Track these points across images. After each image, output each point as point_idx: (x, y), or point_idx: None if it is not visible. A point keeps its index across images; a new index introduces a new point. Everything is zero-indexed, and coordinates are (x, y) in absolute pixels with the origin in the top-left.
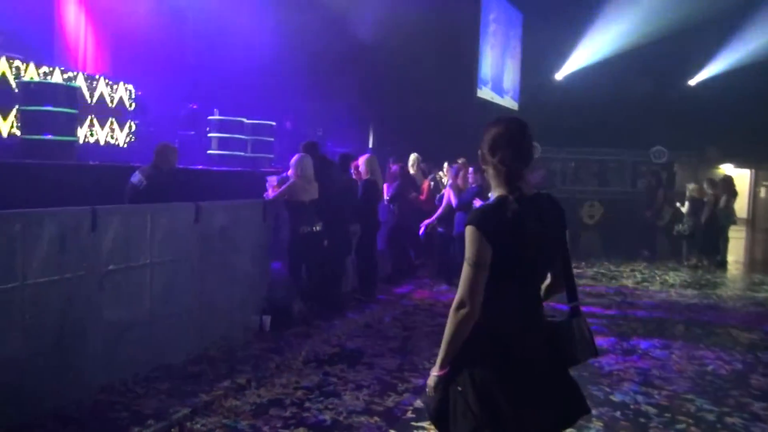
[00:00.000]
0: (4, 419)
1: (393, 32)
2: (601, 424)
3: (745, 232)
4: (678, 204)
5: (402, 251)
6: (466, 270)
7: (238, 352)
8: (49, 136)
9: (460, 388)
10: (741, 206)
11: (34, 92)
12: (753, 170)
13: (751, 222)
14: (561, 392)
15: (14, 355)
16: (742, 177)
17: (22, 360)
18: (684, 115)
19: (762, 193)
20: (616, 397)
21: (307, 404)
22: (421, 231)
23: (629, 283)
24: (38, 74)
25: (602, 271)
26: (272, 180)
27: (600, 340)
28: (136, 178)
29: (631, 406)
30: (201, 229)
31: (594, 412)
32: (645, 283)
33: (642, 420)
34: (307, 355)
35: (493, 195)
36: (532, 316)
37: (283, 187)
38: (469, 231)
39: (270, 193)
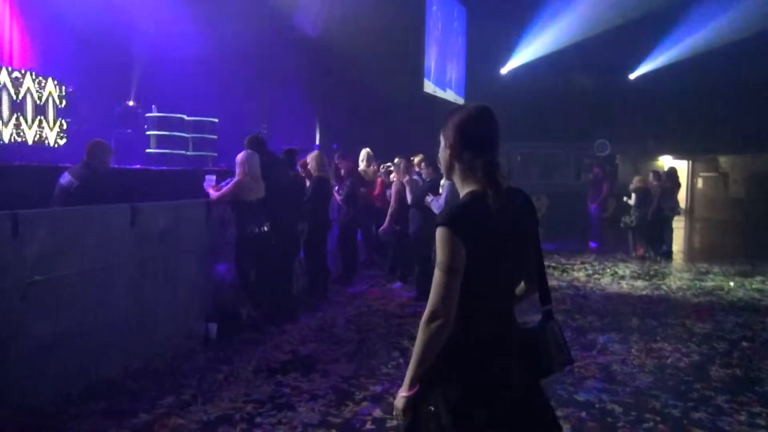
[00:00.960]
0: None
1: (338, 26)
2: (569, 426)
3: (684, 222)
4: (625, 198)
5: (353, 250)
6: (438, 276)
7: (183, 363)
8: None
9: (432, 408)
10: (680, 197)
11: None
12: (690, 162)
13: (690, 212)
14: (534, 410)
15: None
16: (680, 169)
17: None
18: (625, 109)
19: (699, 184)
20: (581, 396)
21: (258, 419)
22: (381, 229)
23: (581, 276)
24: None
25: (553, 264)
26: (210, 179)
27: None
28: (66, 179)
29: (597, 405)
30: (138, 233)
31: (559, 413)
32: (596, 276)
33: (609, 419)
34: (257, 363)
35: (462, 191)
36: (507, 323)
37: (229, 185)
38: (441, 233)
39: (211, 193)
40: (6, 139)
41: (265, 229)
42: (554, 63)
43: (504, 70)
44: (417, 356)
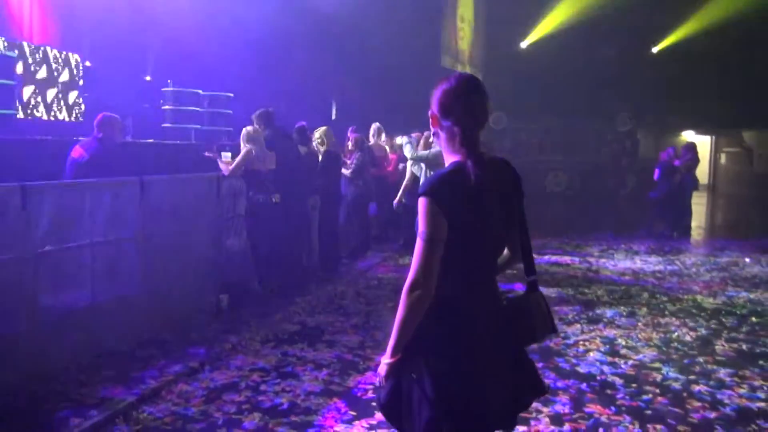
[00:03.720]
0: None
1: (354, 1)
2: (568, 397)
3: (706, 198)
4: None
5: (364, 224)
6: (419, 246)
7: (193, 333)
8: None
9: (414, 376)
10: (702, 172)
11: None
12: (713, 137)
13: (712, 188)
14: (519, 373)
15: None
16: (703, 144)
17: None
18: (646, 83)
19: (722, 159)
20: (582, 369)
21: (262, 387)
22: (394, 203)
23: (594, 251)
24: None
25: (567, 240)
26: (227, 156)
27: (565, 310)
28: (77, 152)
29: (598, 377)
30: (148, 206)
31: (560, 384)
32: (610, 251)
33: (609, 391)
34: (265, 334)
35: (446, 161)
36: (489, 293)
37: (238, 158)
38: (422, 203)
39: (223, 169)
40: (23, 114)
41: (276, 200)
42: (574, 36)
43: (523, 44)
44: (399, 324)
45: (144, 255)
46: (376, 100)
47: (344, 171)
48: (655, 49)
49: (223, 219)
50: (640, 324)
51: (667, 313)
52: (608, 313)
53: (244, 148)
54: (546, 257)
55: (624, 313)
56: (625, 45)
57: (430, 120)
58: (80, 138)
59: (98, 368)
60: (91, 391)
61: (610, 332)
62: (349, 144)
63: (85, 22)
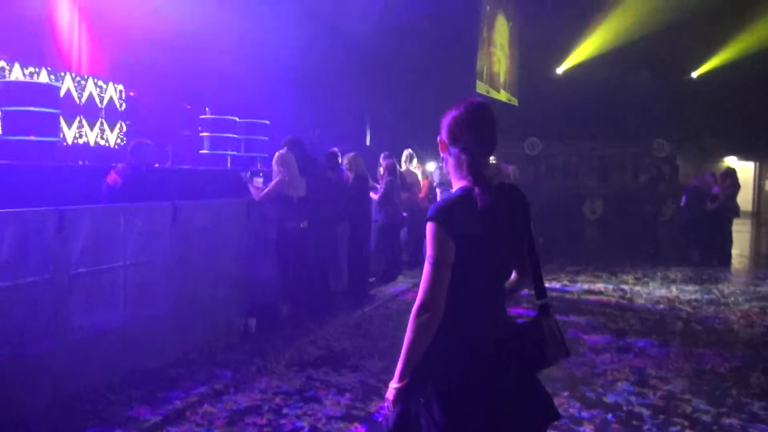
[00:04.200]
0: None
1: (389, 28)
2: (592, 427)
3: (750, 226)
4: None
5: (394, 249)
6: (427, 269)
7: (220, 355)
8: (32, 137)
9: (422, 400)
10: (746, 199)
11: (15, 92)
12: (757, 163)
13: (756, 215)
14: (530, 398)
15: None
16: (745, 169)
17: None
18: (685, 108)
19: (767, 186)
20: (609, 398)
21: (285, 410)
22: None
23: (629, 279)
24: (24, 74)
25: (603, 267)
26: (258, 181)
27: (595, 339)
28: (111, 178)
29: (624, 408)
30: (179, 230)
31: (585, 414)
32: (645, 279)
33: (635, 422)
34: (291, 357)
35: (454, 187)
36: (498, 317)
37: (271, 184)
38: (430, 227)
39: (254, 194)
40: (70, 141)
41: (304, 225)
42: (610, 62)
43: (559, 70)
44: (407, 348)
45: (175, 277)
46: (410, 126)
47: (373, 196)
48: (695, 74)
49: (253, 243)
50: (672, 354)
51: (701, 343)
52: (640, 342)
53: (277, 173)
54: (578, 285)
55: (656, 343)
56: (661, 70)
57: (439, 146)
58: (118, 164)
59: (127, 388)
60: (118, 410)
61: (640, 362)
62: (381, 169)
63: (130, 53)
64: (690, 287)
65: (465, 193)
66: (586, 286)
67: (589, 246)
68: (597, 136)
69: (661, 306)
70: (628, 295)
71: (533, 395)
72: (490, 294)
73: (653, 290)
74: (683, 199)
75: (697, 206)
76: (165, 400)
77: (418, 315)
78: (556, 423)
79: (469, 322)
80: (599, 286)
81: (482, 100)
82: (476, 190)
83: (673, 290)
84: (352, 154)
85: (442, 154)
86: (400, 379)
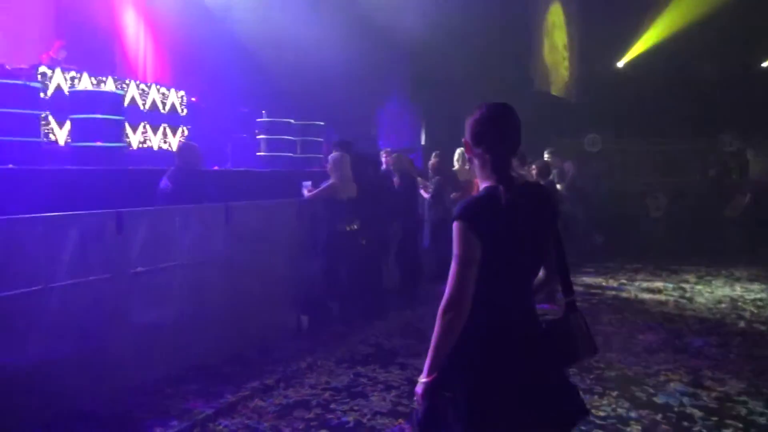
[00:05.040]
0: (30, 419)
1: (444, 27)
2: (640, 427)
3: None
4: None
5: (445, 248)
6: (454, 268)
7: (273, 352)
8: (99, 143)
9: (450, 395)
10: None
11: (83, 101)
12: None
13: None
14: (558, 395)
15: (39, 356)
16: None
17: (47, 361)
18: (755, 100)
19: None
20: (660, 399)
21: (332, 405)
22: None
23: (691, 277)
24: (92, 83)
25: (664, 265)
26: (307, 184)
27: (650, 338)
28: (164, 182)
29: (676, 409)
30: (233, 230)
31: (633, 414)
32: (708, 278)
33: (685, 423)
34: (341, 355)
35: (480, 186)
36: (526, 314)
37: (323, 187)
38: (456, 226)
39: (305, 195)
40: (135, 146)
41: (355, 227)
42: (674, 54)
43: (620, 64)
44: (434, 344)
45: (228, 276)
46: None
47: (424, 194)
48: (766, 63)
49: (304, 243)
50: (731, 355)
51: (762, 344)
52: (697, 342)
53: (332, 176)
54: (636, 283)
55: (714, 343)
56: (728, 60)
57: (464, 147)
58: (170, 168)
59: (182, 382)
60: (174, 403)
61: (696, 362)
62: (430, 170)
63: (191, 61)
64: (756, 286)
65: (490, 193)
66: (644, 285)
67: (651, 244)
68: (661, 131)
69: (723, 305)
70: (688, 294)
71: (561, 392)
72: (517, 291)
73: (715, 289)
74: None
75: None
76: (218, 394)
77: (445, 312)
78: (583, 419)
79: (497, 319)
80: (658, 284)
81: (503, 102)
82: (500, 188)
83: (737, 289)
84: (395, 154)
85: (467, 156)
86: (428, 374)
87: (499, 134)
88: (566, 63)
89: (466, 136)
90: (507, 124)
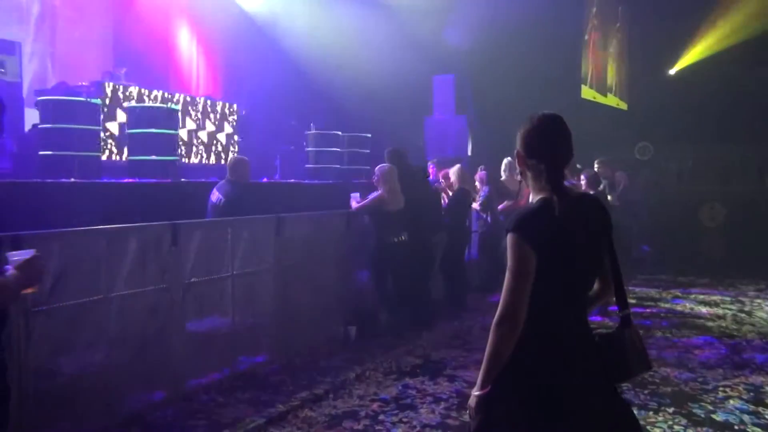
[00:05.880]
0: (90, 423)
1: (489, 35)
2: None
3: None
4: None
5: (495, 259)
6: (508, 280)
7: (321, 362)
8: (153, 157)
9: (505, 408)
10: None
11: (139, 116)
12: None
13: None
14: (612, 411)
15: (99, 363)
16: None
17: (107, 368)
18: None
19: None
20: (719, 417)
21: (381, 417)
22: None
23: (750, 290)
24: (148, 99)
25: (721, 277)
26: (355, 196)
27: (708, 353)
28: (215, 196)
29: (736, 427)
30: (283, 241)
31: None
32: None
33: None
34: (389, 365)
35: (533, 198)
36: (581, 327)
37: (370, 199)
38: (510, 238)
39: (353, 206)
40: (187, 160)
41: (403, 238)
42: (729, 60)
43: (672, 71)
44: (489, 357)
45: (278, 286)
46: (512, 135)
47: (475, 206)
48: None
49: (353, 254)
50: None
51: None
52: (758, 358)
53: (379, 188)
54: (692, 297)
55: None
56: None
57: (516, 159)
58: (221, 181)
59: (235, 390)
60: (226, 411)
61: (757, 379)
62: (477, 182)
63: (241, 75)
64: None
65: (544, 204)
66: (700, 298)
67: (707, 255)
68: (716, 139)
69: None
70: (747, 308)
71: (615, 408)
72: (571, 304)
73: None
74: None
75: None
76: (268, 403)
77: (499, 325)
78: None
79: (551, 333)
80: (715, 298)
81: (554, 112)
82: (555, 199)
83: None
84: (457, 165)
85: (519, 167)
86: (482, 387)
87: (552, 145)
88: (616, 71)
89: (519, 148)
90: (559, 134)
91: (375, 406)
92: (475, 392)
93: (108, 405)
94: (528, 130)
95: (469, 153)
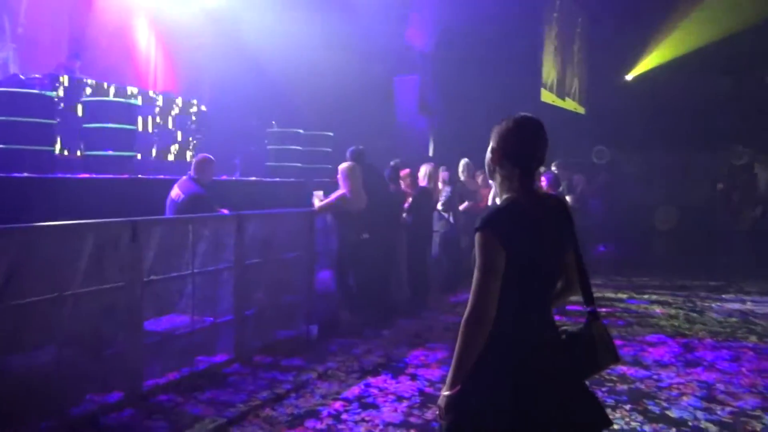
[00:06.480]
0: (38, 423)
1: (450, 38)
2: None
3: None
4: None
5: (455, 259)
6: (477, 278)
7: (282, 361)
8: (110, 152)
9: (474, 407)
10: None
11: (95, 110)
12: None
13: None
14: (581, 406)
15: (51, 362)
16: None
17: (59, 367)
18: (764, 114)
19: None
20: (674, 413)
21: (343, 416)
22: None
23: (701, 291)
24: (103, 92)
25: (673, 279)
26: (318, 194)
27: (662, 352)
28: (175, 192)
29: (690, 423)
30: (244, 239)
31: (647, 428)
32: (718, 292)
33: None
34: (351, 364)
35: (502, 196)
36: (547, 324)
37: (333, 198)
38: (479, 236)
39: (316, 204)
40: (151, 155)
41: (365, 237)
42: (684, 67)
43: (629, 77)
44: (458, 356)
45: (239, 285)
46: (474, 136)
47: (438, 206)
48: None
49: (315, 253)
50: (744, 369)
51: None
52: (709, 356)
53: (342, 186)
54: (646, 297)
55: (727, 357)
56: (739, 74)
57: (491, 156)
58: (182, 177)
59: (194, 389)
60: (185, 411)
61: (709, 376)
62: (439, 182)
63: (201, 71)
64: (767, 300)
65: (512, 204)
66: (654, 298)
67: (660, 258)
68: (669, 145)
69: (734, 320)
70: (698, 308)
71: (584, 403)
72: (539, 302)
73: (725, 303)
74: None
75: None
76: (229, 403)
77: (468, 323)
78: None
79: (520, 330)
80: (668, 298)
81: (532, 114)
82: (523, 199)
83: (748, 304)
84: (429, 165)
85: (492, 166)
86: (452, 387)
87: (531, 149)
88: (575, 76)
89: (495, 146)
90: (534, 137)
91: (337, 405)
92: (445, 392)
93: (58, 405)
94: (508, 130)
95: (431, 154)
